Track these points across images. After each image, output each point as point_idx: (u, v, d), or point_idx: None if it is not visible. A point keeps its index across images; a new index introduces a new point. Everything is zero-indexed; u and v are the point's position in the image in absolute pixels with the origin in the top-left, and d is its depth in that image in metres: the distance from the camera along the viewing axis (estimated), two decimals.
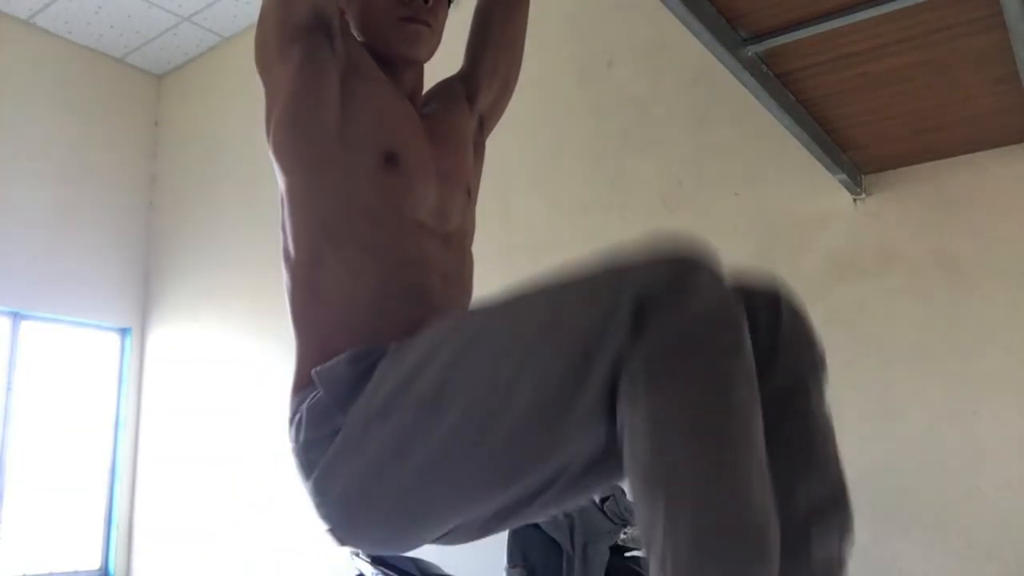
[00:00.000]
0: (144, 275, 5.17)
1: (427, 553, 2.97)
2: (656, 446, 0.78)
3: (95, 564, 4.82)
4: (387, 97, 1.21)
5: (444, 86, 1.39)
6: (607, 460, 0.87)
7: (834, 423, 0.95)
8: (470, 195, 1.31)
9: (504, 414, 0.87)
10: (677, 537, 0.76)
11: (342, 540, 1.09)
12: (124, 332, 5.11)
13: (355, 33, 1.27)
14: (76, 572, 4.71)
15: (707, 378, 0.79)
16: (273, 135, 1.18)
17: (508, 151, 1.81)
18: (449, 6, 1.32)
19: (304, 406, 1.05)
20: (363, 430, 0.99)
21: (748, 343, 0.82)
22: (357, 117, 1.16)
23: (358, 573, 2.76)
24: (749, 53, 1.94)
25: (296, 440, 1.06)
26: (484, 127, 1.42)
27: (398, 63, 1.25)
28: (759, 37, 1.91)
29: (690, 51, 2.34)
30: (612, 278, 0.84)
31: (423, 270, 1.13)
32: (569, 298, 0.87)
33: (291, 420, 1.08)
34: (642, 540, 0.81)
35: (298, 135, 1.16)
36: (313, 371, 1.05)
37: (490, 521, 1.05)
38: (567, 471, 0.93)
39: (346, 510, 1.03)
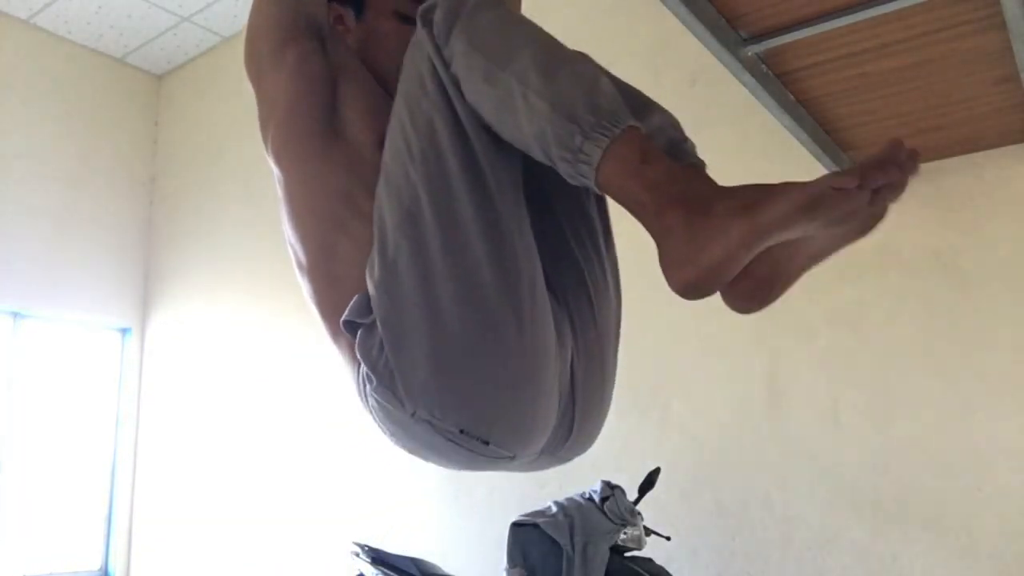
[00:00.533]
0: (144, 275, 5.17)
1: (428, 553, 2.96)
2: (485, 56, 0.93)
3: (95, 564, 4.82)
4: (379, 96, 1.23)
5: None
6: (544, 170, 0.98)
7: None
8: None
9: (449, 161, 0.98)
10: (526, 78, 0.90)
11: (475, 428, 1.01)
12: (124, 332, 5.11)
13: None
14: (76, 572, 4.72)
15: (494, 9, 0.98)
16: (272, 142, 1.19)
17: None
18: None
19: (357, 351, 1.04)
20: (388, 298, 1.00)
21: None
22: (352, 111, 1.17)
23: (358, 573, 2.76)
24: (749, 53, 1.94)
25: (369, 382, 1.03)
26: None
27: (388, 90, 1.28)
28: (759, 37, 1.91)
29: (690, 51, 2.34)
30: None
31: None
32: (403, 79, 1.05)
33: (358, 380, 1.06)
34: (500, 122, 0.94)
35: (299, 138, 1.16)
36: (340, 322, 1.06)
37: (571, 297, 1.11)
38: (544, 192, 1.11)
39: (446, 381, 0.99)
